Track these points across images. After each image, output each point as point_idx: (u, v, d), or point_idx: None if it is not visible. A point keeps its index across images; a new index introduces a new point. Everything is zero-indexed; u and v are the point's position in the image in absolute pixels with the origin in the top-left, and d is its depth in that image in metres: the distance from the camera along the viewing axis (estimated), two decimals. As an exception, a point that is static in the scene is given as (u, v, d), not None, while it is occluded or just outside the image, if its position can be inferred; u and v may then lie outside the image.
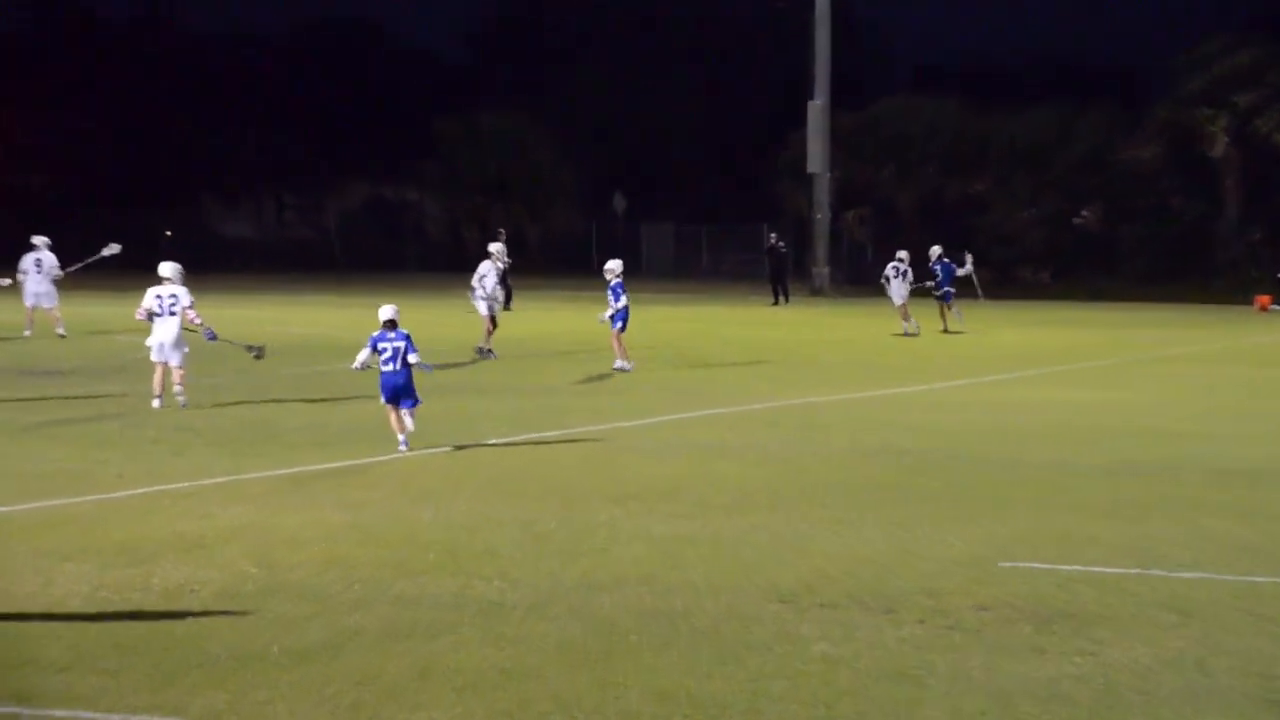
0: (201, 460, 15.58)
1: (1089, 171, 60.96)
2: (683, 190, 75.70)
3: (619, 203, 70.59)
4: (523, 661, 8.82)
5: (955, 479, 14.98)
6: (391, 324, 16.49)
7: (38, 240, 31.77)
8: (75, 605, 9.88)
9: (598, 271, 68.96)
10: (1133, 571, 11.05)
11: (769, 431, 18.25)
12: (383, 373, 16.52)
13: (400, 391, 16.44)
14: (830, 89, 54.51)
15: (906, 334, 33.82)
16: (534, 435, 17.71)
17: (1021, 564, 11.24)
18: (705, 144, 78.19)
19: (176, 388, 19.85)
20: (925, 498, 13.92)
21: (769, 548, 11.78)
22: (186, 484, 14.23)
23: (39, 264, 31.45)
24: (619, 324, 24.78)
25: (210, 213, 79.59)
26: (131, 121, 76.53)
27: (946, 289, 35.12)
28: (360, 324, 34.33)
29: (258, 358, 22.13)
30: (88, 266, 32.58)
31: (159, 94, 77.54)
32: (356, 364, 16.88)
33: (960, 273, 35.71)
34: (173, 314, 19.97)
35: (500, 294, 27.48)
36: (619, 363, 24.91)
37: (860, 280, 58.91)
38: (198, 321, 20.00)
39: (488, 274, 27.05)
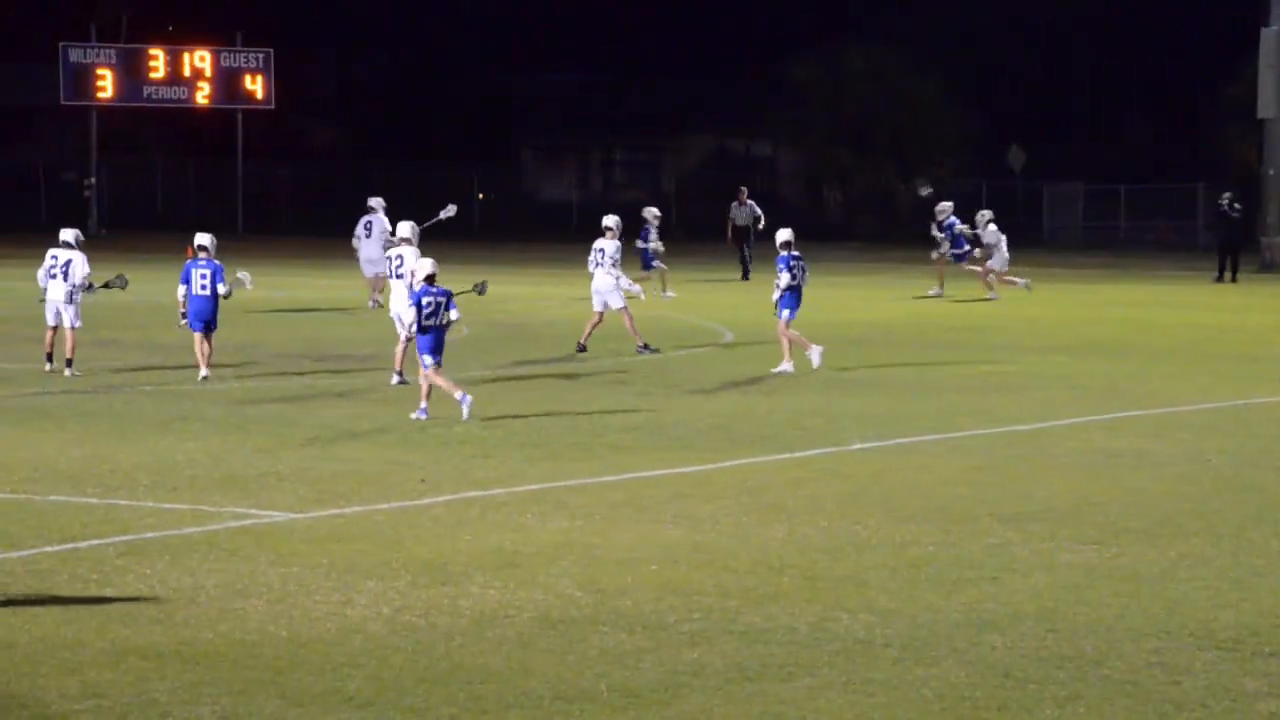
0: (515, 464, 16.10)
1: None
2: (1096, 141, 74.15)
3: (1016, 157, 69.55)
4: (895, 712, 8.88)
5: None
6: (433, 279, 18.64)
7: (373, 202, 33.44)
8: (376, 629, 10.36)
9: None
10: None
11: (1203, 439, 17.83)
12: (429, 330, 18.47)
13: (439, 349, 18.57)
14: (1287, 10, 52.60)
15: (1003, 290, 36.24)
16: (908, 440, 17.72)
17: None
18: (1124, 83, 76.42)
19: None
20: (1405, 526, 13.41)
21: (1202, 583, 11.56)
22: (499, 491, 14.73)
23: (369, 228, 33.08)
24: (784, 310, 23.07)
25: (529, 171, 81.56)
26: (436, 65, 79.10)
27: (958, 250, 36.81)
28: (700, 304, 34.83)
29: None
30: (425, 231, 33.99)
31: (468, 32, 79.93)
32: (406, 331, 18.90)
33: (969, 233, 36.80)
34: (399, 277, 21.78)
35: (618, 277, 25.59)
36: (783, 365, 23.06)
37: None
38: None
39: (610, 251, 25.25)
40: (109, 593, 11.14)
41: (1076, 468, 16.13)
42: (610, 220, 25.89)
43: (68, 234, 22.58)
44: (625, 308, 25.34)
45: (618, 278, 25.30)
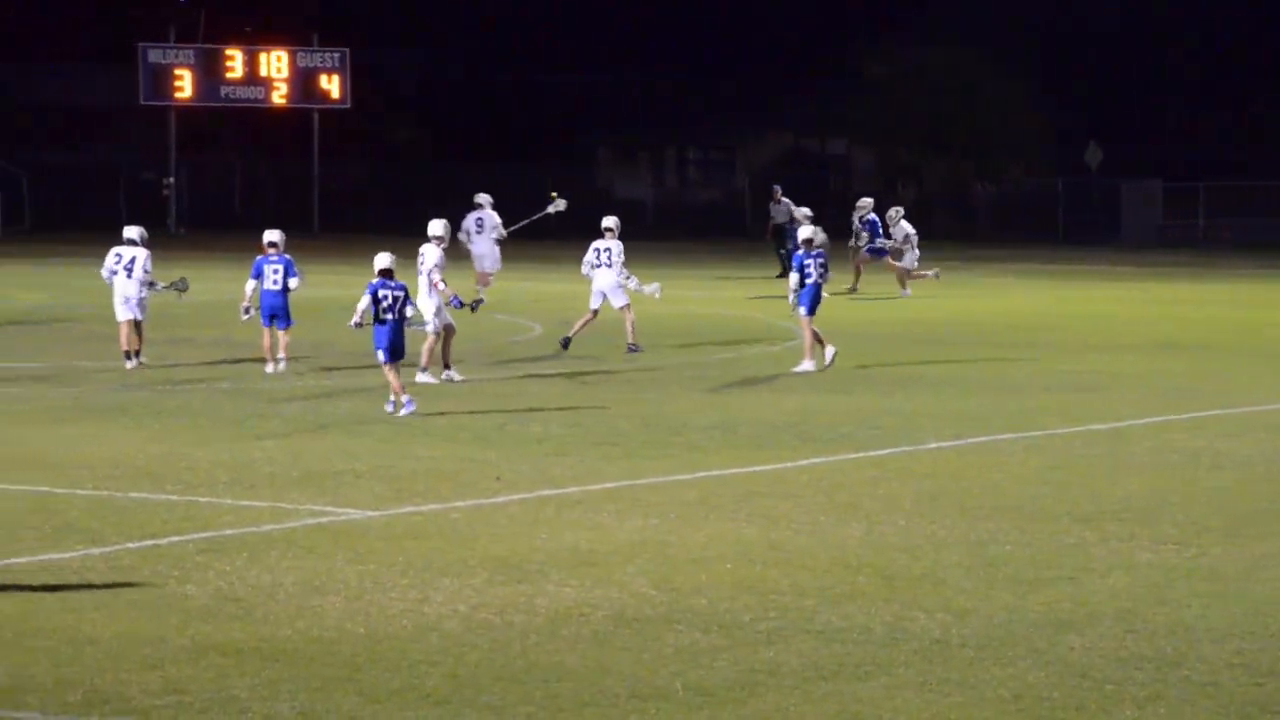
0: (591, 462, 16.12)
1: None
2: (1174, 138, 73.61)
3: (1093, 155, 69.12)
4: (971, 712, 8.85)
5: None
6: (389, 273, 18.74)
7: (481, 198, 33.91)
8: (453, 627, 10.40)
9: (1067, 239, 67.33)
10: None
11: (1283, 439, 17.70)
12: (382, 325, 18.54)
13: (399, 346, 18.70)
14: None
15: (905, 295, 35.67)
16: (985, 439, 17.65)
17: None
18: (1203, 78, 75.79)
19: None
20: None
21: (1283, 584, 11.47)
22: (574, 489, 14.76)
23: (480, 224, 33.62)
24: (803, 307, 22.75)
25: (604, 170, 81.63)
26: (511, 63, 79.28)
27: (875, 247, 36.76)
28: (773, 302, 34.74)
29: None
30: (533, 224, 34.37)
31: (543, 31, 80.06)
32: (356, 318, 18.78)
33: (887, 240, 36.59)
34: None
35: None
36: (806, 363, 22.80)
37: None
38: (441, 287, 21.17)
39: (617, 251, 25.04)
40: (189, 589, 11.23)
41: (1155, 467, 16.03)
42: (610, 221, 25.86)
43: (132, 231, 22.98)
44: (628, 305, 25.34)
45: (628, 278, 25.32)
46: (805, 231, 23.65)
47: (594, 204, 74.43)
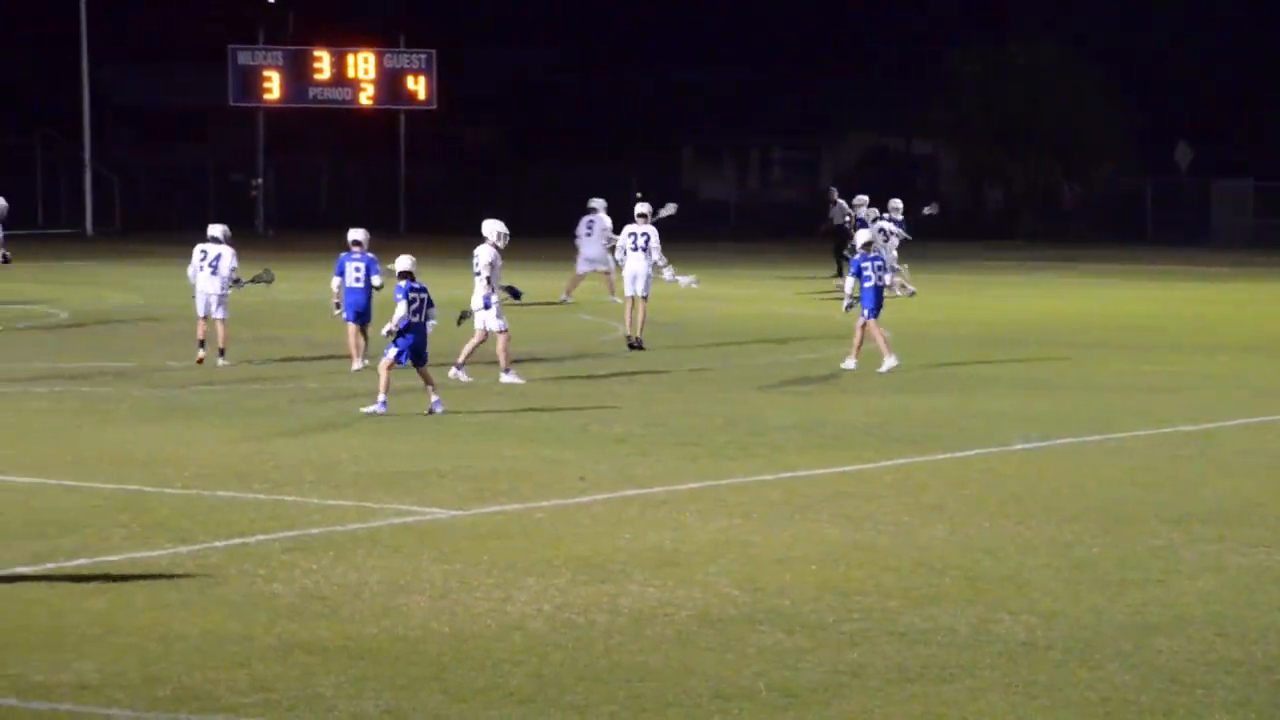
0: (674, 462, 16.12)
1: None
2: (1266, 137, 72.88)
3: (1183, 154, 68.53)
4: (1058, 715, 8.80)
5: None
6: (410, 275, 18.77)
7: (595, 203, 34.39)
8: (536, 626, 10.43)
9: (1154, 239, 66.75)
10: None
11: (1375, 441, 17.48)
12: (414, 328, 18.51)
13: (423, 347, 18.73)
14: None
15: (900, 294, 34.56)
16: (1070, 440, 17.54)
17: None
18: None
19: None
20: None
21: (1375, 588, 11.33)
22: (658, 489, 14.76)
23: (590, 226, 34.09)
24: (866, 309, 22.69)
25: (689, 169, 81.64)
26: (597, 64, 79.42)
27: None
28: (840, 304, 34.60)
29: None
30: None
31: (627, 31, 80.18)
32: (393, 325, 18.60)
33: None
34: (476, 274, 21.44)
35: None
36: (889, 360, 22.66)
37: None
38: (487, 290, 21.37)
39: (655, 238, 25.52)
40: (275, 588, 11.31)
41: (1246, 469, 15.87)
42: (644, 207, 26.05)
43: (216, 229, 23.40)
44: (648, 296, 25.34)
45: (664, 266, 25.38)
46: (864, 235, 23.73)
47: (678, 203, 74.26)
